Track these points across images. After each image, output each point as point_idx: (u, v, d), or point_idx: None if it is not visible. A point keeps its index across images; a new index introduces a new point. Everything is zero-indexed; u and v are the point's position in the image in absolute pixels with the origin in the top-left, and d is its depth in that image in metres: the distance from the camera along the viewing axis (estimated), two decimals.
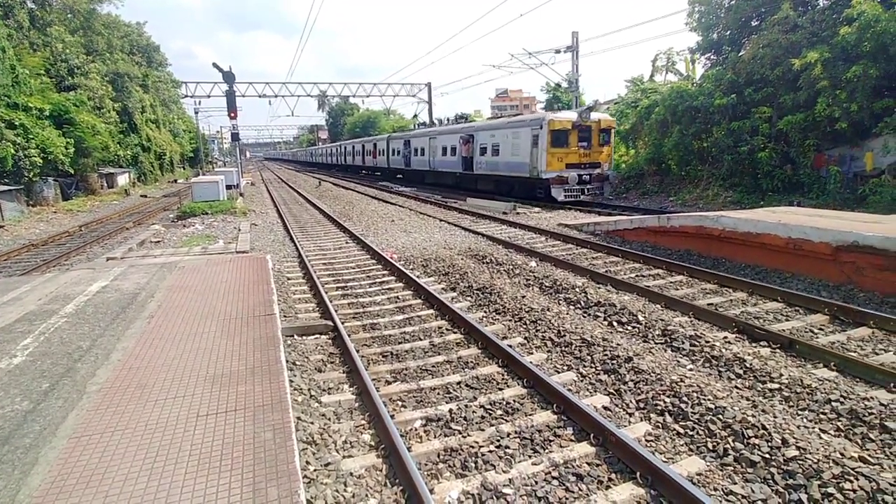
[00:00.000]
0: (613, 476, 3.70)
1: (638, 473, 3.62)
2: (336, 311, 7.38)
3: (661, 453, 3.97)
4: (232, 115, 24.83)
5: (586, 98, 34.48)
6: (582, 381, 5.24)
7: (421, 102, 50.04)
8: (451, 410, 4.62)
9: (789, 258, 8.77)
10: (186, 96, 47.73)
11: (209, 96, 44.99)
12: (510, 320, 7.00)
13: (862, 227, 8.07)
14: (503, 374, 5.34)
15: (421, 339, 6.42)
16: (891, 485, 3.26)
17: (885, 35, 17.41)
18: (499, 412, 4.61)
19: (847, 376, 5.03)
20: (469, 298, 8.08)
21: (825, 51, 19.08)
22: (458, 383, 5.21)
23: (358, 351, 5.95)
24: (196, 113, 57.57)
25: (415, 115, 34.75)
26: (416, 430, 4.40)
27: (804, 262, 8.53)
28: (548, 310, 7.11)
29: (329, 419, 4.56)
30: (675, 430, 4.24)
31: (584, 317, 7.01)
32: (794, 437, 3.84)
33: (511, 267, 9.69)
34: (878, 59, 16.03)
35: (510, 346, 5.84)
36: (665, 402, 4.55)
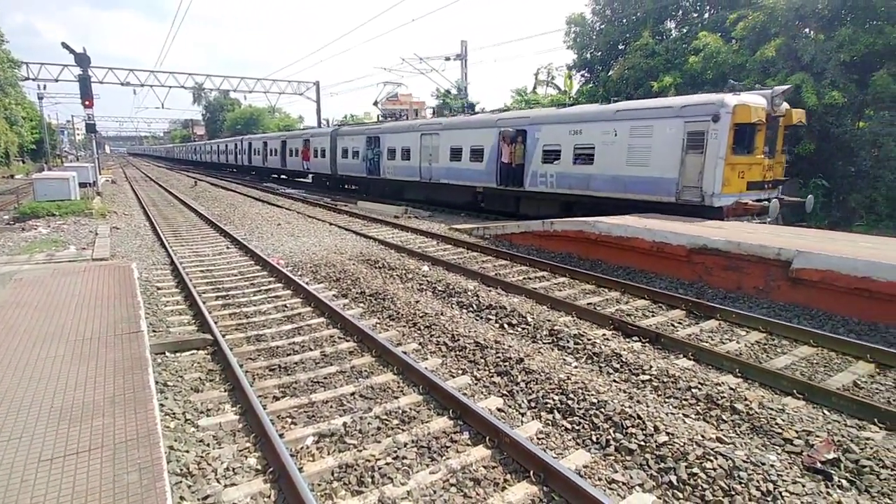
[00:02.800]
0: (509, 477, 3.78)
1: (531, 472, 3.73)
2: (216, 322, 6.76)
3: (551, 449, 4.14)
4: (87, 103, 21.78)
5: (484, 106, 35.61)
6: (476, 384, 5.32)
7: (319, 100, 48.30)
8: (345, 424, 4.42)
9: (654, 259, 9.76)
10: (28, 79, 41.19)
11: (57, 80, 39.20)
12: (404, 326, 6.93)
13: (710, 233, 9.22)
14: (399, 382, 5.25)
15: (311, 350, 6.11)
16: (744, 461, 3.71)
17: (724, 65, 20.19)
18: (395, 422, 4.51)
19: (702, 364, 5.68)
20: (362, 305, 7.88)
21: (678, 76, 21.61)
22: (353, 394, 5.01)
23: (241, 365, 5.49)
24: (40, 99, 49.98)
25: (375, 102, 29.96)
26: (307, 447, 4.14)
27: (666, 263, 9.55)
28: (441, 314, 7.15)
29: (208, 445, 4.13)
30: (563, 426, 4.46)
31: (477, 320, 7.16)
32: (664, 424, 4.22)
33: (404, 271, 9.63)
34: (719, 85, 18.49)
35: (405, 353, 5.77)
36: (554, 400, 4.78)
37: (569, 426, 4.45)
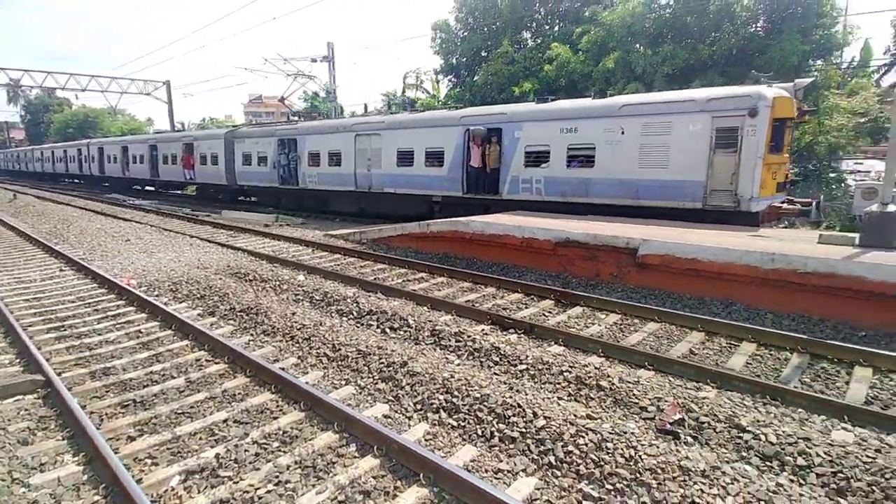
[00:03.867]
0: (399, 483, 3.73)
1: (421, 475, 3.72)
2: (48, 359, 5.77)
3: (439, 449, 4.18)
4: None
5: (353, 111, 34.90)
6: (361, 392, 5.20)
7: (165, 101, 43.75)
8: (218, 455, 4.03)
9: (525, 255, 10.38)
10: None
11: None
12: (281, 340, 6.54)
13: (571, 226, 10.06)
14: (277, 401, 4.93)
15: (174, 378, 5.49)
16: (610, 433, 4.07)
17: (574, 74, 22.18)
18: (275, 444, 4.22)
19: (571, 349, 6.15)
20: (232, 322, 7.29)
21: (535, 83, 23.27)
22: (225, 421, 4.60)
23: (85, 406, 4.74)
24: None
25: (282, 98, 26.76)
26: (173, 490, 3.70)
27: (535, 257, 10.21)
28: (321, 324, 6.88)
29: None
30: (449, 424, 4.53)
31: (358, 327, 7.01)
32: (542, 409, 4.49)
33: (278, 283, 9.12)
34: (571, 93, 20.28)
35: (283, 369, 5.44)
36: (440, 400, 4.83)
37: (455, 424, 4.53)
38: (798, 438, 3.96)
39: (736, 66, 18.70)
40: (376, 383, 5.33)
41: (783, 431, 4.08)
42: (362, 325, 7.10)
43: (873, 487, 3.48)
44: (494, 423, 4.42)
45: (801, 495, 3.40)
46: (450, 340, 6.31)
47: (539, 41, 26.39)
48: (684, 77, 19.48)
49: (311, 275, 9.84)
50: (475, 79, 27.19)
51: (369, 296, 8.31)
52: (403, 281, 9.56)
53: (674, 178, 11.18)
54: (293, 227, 16.66)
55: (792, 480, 3.61)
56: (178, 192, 30.73)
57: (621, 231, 9.43)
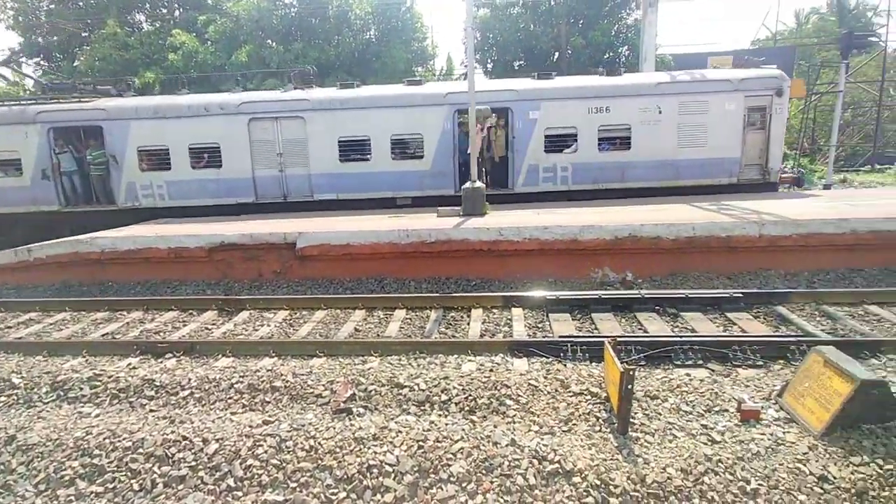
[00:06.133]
0: None
1: None
2: None
3: None
4: None
5: None
6: None
7: None
8: None
9: (176, 267, 9.19)
10: None
11: None
12: None
13: (224, 229, 9.42)
14: None
15: None
16: (289, 432, 4.02)
17: (205, 65, 20.60)
18: None
19: (241, 357, 5.82)
20: None
21: (160, 72, 20.60)
22: None
23: None
24: None
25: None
26: None
27: (189, 267, 9.17)
28: None
29: None
30: (93, 492, 3.64)
31: None
32: (213, 433, 4.08)
33: None
34: (205, 86, 18.80)
35: None
36: (73, 468, 3.81)
37: (101, 489, 3.67)
38: (440, 379, 4.81)
39: (360, 67, 20.97)
40: None
41: (430, 377, 4.88)
42: None
43: (491, 400, 4.53)
44: (156, 468, 3.79)
45: (446, 425, 4.14)
46: (82, 389, 5.04)
47: (158, 25, 23.35)
48: (318, 76, 20.67)
49: None
50: (76, 64, 22.11)
51: None
52: (2, 328, 7.11)
53: (712, 157, 11.88)
54: None
55: (440, 415, 4.37)
56: None
57: (278, 227, 9.41)
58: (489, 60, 23.48)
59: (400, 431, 4.00)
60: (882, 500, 3.18)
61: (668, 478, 3.38)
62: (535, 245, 8.43)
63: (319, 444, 3.91)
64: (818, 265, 8.17)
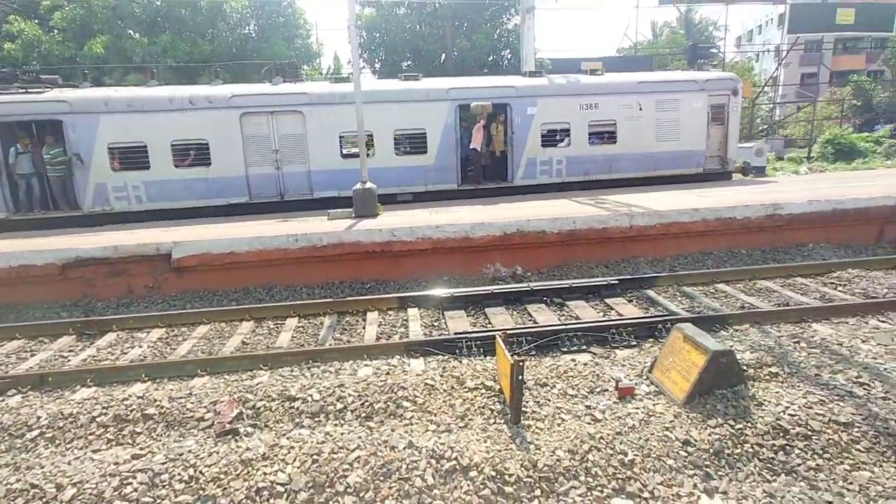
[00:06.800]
0: None
1: None
2: None
3: None
4: None
5: None
6: None
7: None
8: None
9: (21, 289, 7.94)
10: None
11: None
12: None
13: (80, 242, 8.34)
14: None
15: None
16: (164, 463, 3.63)
17: (51, 56, 18.13)
18: None
19: (106, 386, 5.17)
20: None
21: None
22: None
23: None
24: None
25: None
26: None
27: (36, 288, 7.97)
28: None
29: None
30: None
31: None
32: (69, 476, 3.56)
33: None
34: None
35: None
36: None
37: None
38: (335, 388, 4.64)
39: (237, 63, 19.69)
40: None
41: (324, 386, 4.69)
42: None
43: (388, 403, 4.46)
44: None
45: (342, 434, 4.00)
46: None
47: None
48: (190, 70, 19.08)
49: None
50: None
51: None
52: None
53: (683, 150, 13.33)
54: None
55: (335, 425, 4.21)
56: None
57: (148, 237, 8.52)
58: (377, 60, 23.32)
59: (292, 447, 3.79)
60: (735, 456, 3.61)
61: (558, 460, 3.55)
62: (428, 244, 8.49)
63: (201, 472, 3.58)
64: (678, 251, 9.17)
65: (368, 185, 10.05)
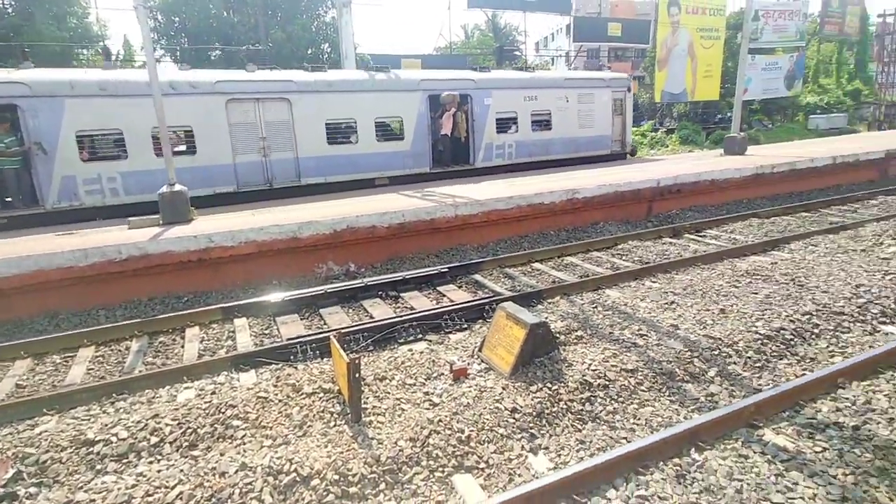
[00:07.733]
0: None
1: None
2: None
3: None
4: None
5: None
6: None
7: None
8: None
9: None
10: None
11: None
12: None
13: None
14: None
15: None
16: None
17: None
18: None
19: None
20: None
21: None
22: None
23: None
24: None
25: None
26: None
27: None
28: None
29: None
30: None
31: None
32: None
33: None
34: None
35: None
36: None
37: None
38: (147, 420, 4.05)
39: None
40: None
41: (133, 421, 4.06)
42: None
43: (215, 426, 4.04)
44: None
45: (158, 472, 3.51)
46: None
47: None
48: None
49: None
50: None
51: None
52: None
53: (597, 135, 16.05)
54: None
55: (150, 463, 3.68)
56: None
57: None
58: (179, 47, 20.78)
59: (92, 500, 3.21)
60: (553, 414, 4.06)
61: (400, 450, 3.60)
62: (252, 248, 7.90)
63: None
64: (499, 236, 9.98)
65: (178, 187, 8.93)
